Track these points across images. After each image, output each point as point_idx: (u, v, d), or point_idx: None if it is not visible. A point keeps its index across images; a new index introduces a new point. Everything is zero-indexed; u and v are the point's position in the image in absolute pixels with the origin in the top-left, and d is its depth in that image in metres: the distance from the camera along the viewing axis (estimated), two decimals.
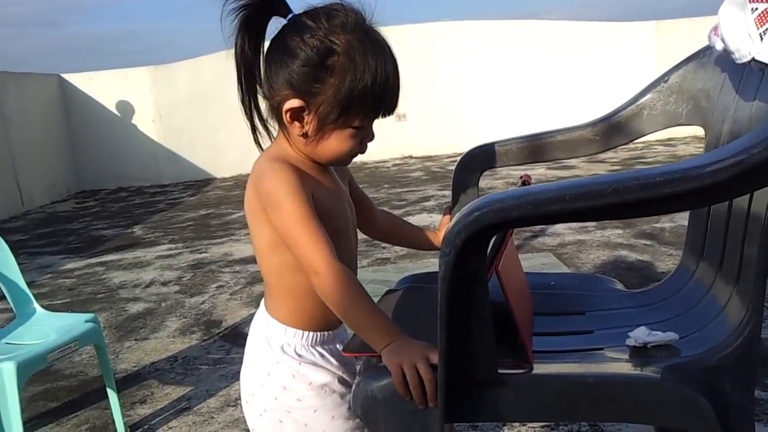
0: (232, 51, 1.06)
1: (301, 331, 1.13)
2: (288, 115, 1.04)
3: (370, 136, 1.10)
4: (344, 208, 1.16)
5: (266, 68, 1.06)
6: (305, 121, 1.04)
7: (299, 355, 1.13)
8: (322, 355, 1.14)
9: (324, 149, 1.07)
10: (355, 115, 1.03)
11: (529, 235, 4.44)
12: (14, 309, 2.30)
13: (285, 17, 1.06)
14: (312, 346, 1.14)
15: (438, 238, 1.36)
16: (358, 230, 1.25)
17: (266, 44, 1.09)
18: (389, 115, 1.07)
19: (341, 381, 1.15)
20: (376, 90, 1.01)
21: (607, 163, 7.38)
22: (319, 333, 1.14)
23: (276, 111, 1.06)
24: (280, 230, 1.03)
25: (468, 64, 9.44)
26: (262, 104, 1.09)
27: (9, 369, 1.84)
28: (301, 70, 1.01)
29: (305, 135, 1.06)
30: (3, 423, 1.86)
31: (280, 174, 1.03)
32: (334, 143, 1.06)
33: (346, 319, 1.03)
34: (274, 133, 1.13)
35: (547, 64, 9.40)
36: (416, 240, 1.39)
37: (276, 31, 1.06)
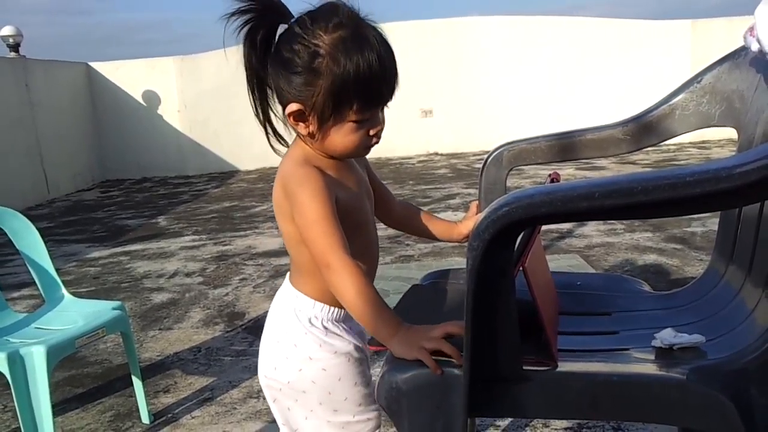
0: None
1: (328, 306, 1.19)
2: (291, 118, 1.11)
3: (377, 126, 1.12)
4: (364, 201, 1.21)
5: (272, 77, 1.13)
6: (308, 122, 1.10)
7: (325, 328, 1.19)
8: (345, 330, 1.21)
9: (331, 146, 1.12)
10: (348, 109, 1.08)
11: (555, 237, 4.42)
12: (43, 294, 2.34)
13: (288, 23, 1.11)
14: (337, 321, 1.20)
15: (457, 230, 1.38)
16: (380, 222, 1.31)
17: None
18: (387, 101, 1.10)
19: (358, 349, 1.22)
20: (360, 81, 1.05)
21: (638, 165, 7.31)
22: (343, 311, 1.20)
23: (284, 115, 1.13)
24: (301, 230, 1.10)
25: (497, 60, 9.38)
26: (278, 109, 1.16)
27: (39, 352, 1.88)
28: (295, 78, 1.08)
29: (311, 135, 1.12)
30: (33, 405, 1.89)
31: (305, 179, 1.10)
32: (338, 139, 1.11)
33: (354, 312, 1.07)
34: (290, 138, 1.20)
35: (579, 61, 9.30)
36: (434, 230, 1.41)
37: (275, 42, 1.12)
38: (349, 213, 1.13)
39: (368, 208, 1.22)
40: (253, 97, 1.15)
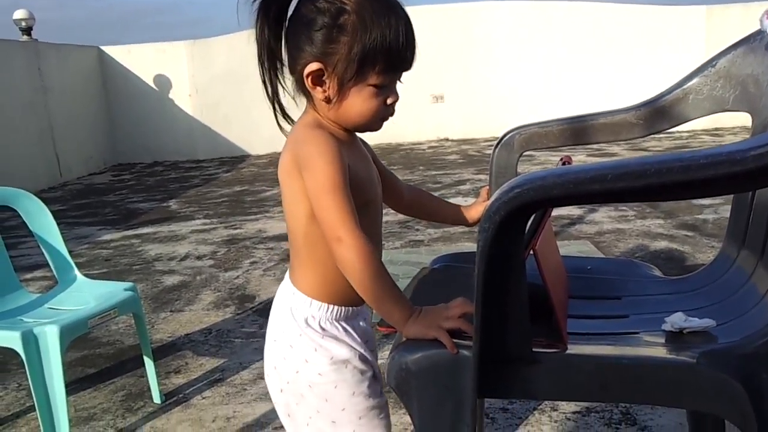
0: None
1: (326, 305, 1.13)
2: (309, 79, 1.07)
3: (394, 96, 1.10)
4: (374, 180, 1.17)
5: (287, 44, 1.10)
6: (326, 84, 1.07)
7: (323, 329, 1.13)
8: (345, 330, 1.14)
9: (348, 110, 1.08)
10: (371, 71, 1.05)
11: (566, 223, 4.41)
12: (56, 275, 2.37)
13: None
14: (336, 321, 1.14)
15: (467, 214, 1.36)
16: (387, 207, 1.27)
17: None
18: (408, 68, 1.09)
19: (362, 358, 1.15)
20: (387, 45, 1.03)
21: (650, 151, 7.27)
22: (343, 308, 1.14)
23: (299, 81, 1.09)
24: (311, 193, 1.05)
25: (509, 45, 9.32)
26: (287, 83, 1.12)
27: (53, 332, 1.90)
28: (317, 35, 1.05)
29: (328, 99, 1.08)
30: (46, 384, 1.92)
31: (321, 140, 1.06)
32: (357, 102, 1.07)
33: (364, 290, 1.03)
34: (295, 117, 1.15)
35: (592, 47, 9.23)
36: (443, 214, 1.38)
37: (293, 7, 1.09)
38: (361, 189, 1.09)
39: (378, 187, 1.18)
40: (263, 69, 1.10)
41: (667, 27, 9.12)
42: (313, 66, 1.05)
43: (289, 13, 1.10)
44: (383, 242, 1.31)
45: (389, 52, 1.04)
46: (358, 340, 1.16)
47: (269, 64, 1.11)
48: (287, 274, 1.20)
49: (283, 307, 1.17)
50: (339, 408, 1.14)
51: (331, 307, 1.14)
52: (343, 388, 1.13)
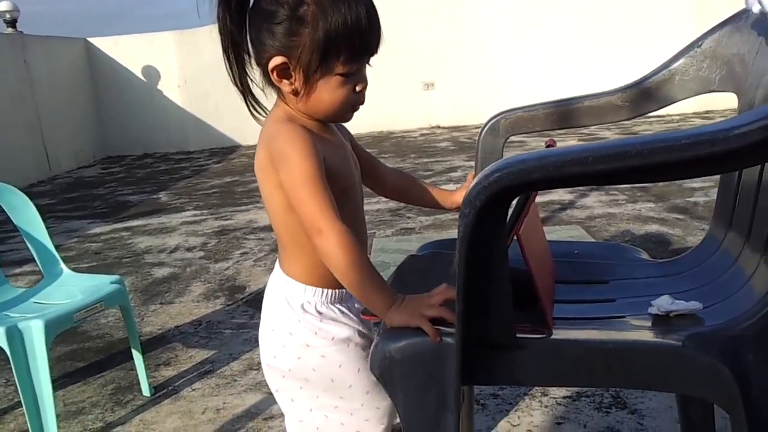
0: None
1: (320, 289, 1.14)
2: (275, 73, 1.06)
3: (362, 83, 1.09)
4: (350, 166, 1.16)
5: (250, 36, 1.08)
6: (292, 77, 1.06)
7: (320, 313, 1.14)
8: (341, 312, 1.16)
9: (317, 101, 1.07)
10: (335, 60, 1.04)
11: (557, 208, 4.40)
12: (42, 269, 2.34)
13: None
14: (331, 303, 1.15)
15: (452, 199, 1.35)
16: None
17: None
18: (373, 53, 1.08)
19: (361, 335, 1.17)
20: (348, 32, 1.02)
21: (640, 135, 7.26)
22: (337, 290, 1.15)
23: (266, 74, 1.08)
24: (287, 188, 1.05)
25: (499, 31, 9.27)
26: (254, 75, 1.11)
27: (38, 327, 1.88)
28: (278, 28, 1.04)
29: (295, 92, 1.07)
30: (33, 379, 1.90)
31: (293, 134, 1.05)
32: (325, 93, 1.06)
33: (347, 281, 1.03)
34: (268, 106, 1.15)
35: (582, 30, 9.18)
36: (428, 199, 1.37)
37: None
38: (337, 177, 1.09)
39: (356, 173, 1.18)
40: (229, 62, 1.10)
41: (657, 8, 9.08)
42: (277, 60, 1.05)
43: (251, 3, 1.08)
44: (374, 230, 1.31)
45: (352, 40, 1.03)
46: (355, 318, 1.17)
47: (235, 56, 1.10)
48: (277, 264, 1.20)
49: (278, 296, 1.17)
50: (346, 386, 1.15)
51: (325, 291, 1.14)
52: (347, 366, 1.14)
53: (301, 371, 1.15)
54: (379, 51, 1.08)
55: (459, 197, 1.33)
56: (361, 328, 1.17)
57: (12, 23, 8.01)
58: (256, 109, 1.14)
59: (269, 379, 1.21)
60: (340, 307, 1.16)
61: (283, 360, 1.16)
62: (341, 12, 1.01)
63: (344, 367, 1.14)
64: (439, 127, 9.49)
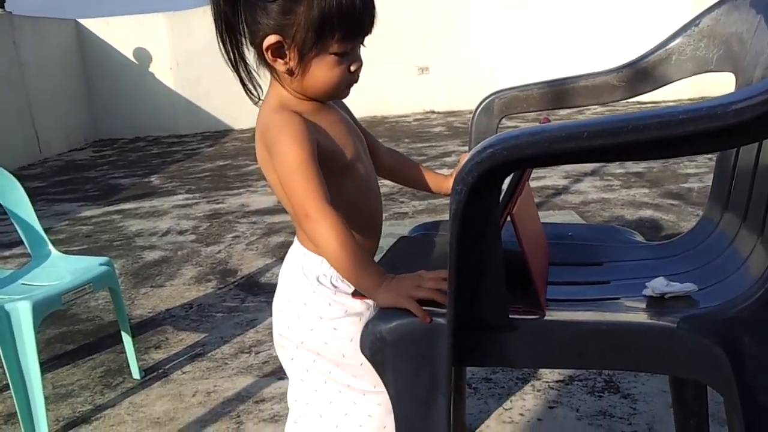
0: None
1: None
2: (269, 53, 1.06)
3: (357, 62, 1.09)
4: (351, 139, 1.15)
5: (244, 16, 1.07)
6: (287, 56, 1.06)
7: (335, 286, 1.14)
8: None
9: (312, 80, 1.07)
10: (330, 39, 1.04)
11: (551, 193, 4.39)
12: (30, 251, 2.32)
13: None
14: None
15: (447, 183, 1.33)
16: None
17: None
18: (368, 32, 1.07)
19: (372, 310, 1.16)
20: (343, 11, 1.01)
21: (637, 111, 7.25)
22: None
23: (260, 54, 1.08)
24: (280, 175, 1.05)
25: (494, 14, 9.19)
26: (249, 56, 1.11)
27: (25, 308, 1.86)
28: (271, 6, 1.03)
29: (290, 71, 1.07)
30: (20, 362, 1.88)
31: (284, 123, 1.05)
32: (320, 72, 1.06)
33: (336, 264, 1.03)
34: (265, 87, 1.14)
35: (578, 11, 9.11)
36: (423, 181, 1.36)
37: None
38: (336, 155, 1.09)
39: (360, 148, 1.17)
40: (223, 43, 1.09)
41: None
42: (272, 39, 1.04)
43: None
44: None
45: (347, 19, 1.02)
46: None
47: (229, 36, 1.09)
48: (296, 238, 1.20)
49: (295, 267, 1.17)
50: (357, 363, 1.13)
51: None
52: (358, 341, 1.11)
53: (313, 344, 1.15)
54: (373, 32, 1.08)
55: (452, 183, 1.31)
56: (374, 306, 1.16)
57: (0, 3, 7.90)
58: (251, 91, 1.14)
59: (282, 350, 1.20)
60: None
61: (297, 331, 1.15)
62: None
63: (355, 342, 1.11)
64: (433, 112, 9.44)
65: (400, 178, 1.39)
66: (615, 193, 4.29)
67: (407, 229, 1.52)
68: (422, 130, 7.91)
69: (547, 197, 4.30)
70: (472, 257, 0.88)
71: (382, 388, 1.15)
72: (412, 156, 6.12)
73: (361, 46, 1.09)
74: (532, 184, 1.09)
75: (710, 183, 1.40)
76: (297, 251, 1.19)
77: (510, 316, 0.94)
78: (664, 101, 8.52)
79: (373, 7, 1.05)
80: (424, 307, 0.95)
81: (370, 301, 1.14)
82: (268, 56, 1.06)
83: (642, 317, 1.03)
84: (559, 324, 0.96)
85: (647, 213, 3.80)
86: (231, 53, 1.10)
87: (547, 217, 3.78)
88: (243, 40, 1.09)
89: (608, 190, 4.36)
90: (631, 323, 0.99)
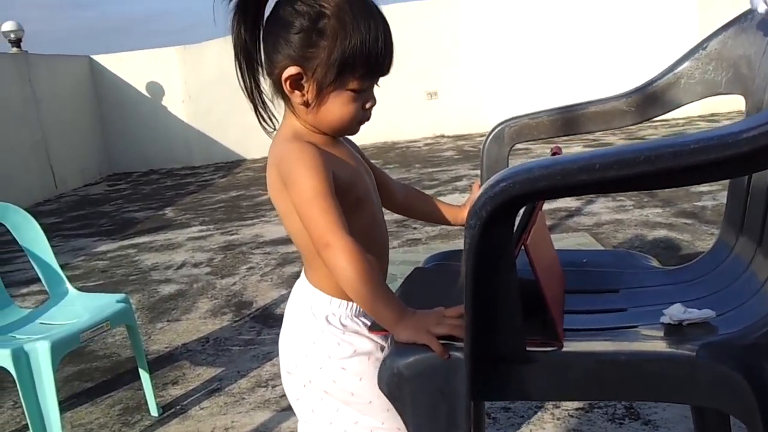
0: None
1: (345, 302, 1.13)
2: (288, 83, 1.06)
3: (372, 101, 1.10)
4: (362, 174, 1.16)
5: (264, 46, 1.08)
6: (305, 89, 1.06)
7: (343, 325, 1.13)
8: (365, 325, 1.14)
9: (327, 115, 1.08)
10: (350, 76, 1.04)
11: (564, 215, 4.37)
12: (48, 290, 2.33)
13: None
14: (356, 317, 1.14)
15: (461, 214, 1.33)
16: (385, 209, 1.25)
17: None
18: (386, 73, 1.08)
19: (383, 350, 1.13)
20: (367, 50, 1.03)
21: (646, 140, 7.23)
22: None
23: (277, 84, 1.08)
24: (296, 205, 1.04)
25: (501, 38, 9.24)
26: (265, 86, 1.11)
27: (44, 348, 1.86)
28: (295, 38, 1.04)
29: (306, 103, 1.07)
30: (39, 402, 1.88)
31: (300, 153, 1.05)
32: (336, 107, 1.07)
33: (355, 294, 1.02)
34: (279, 117, 1.15)
35: (585, 34, 9.13)
36: (438, 214, 1.36)
37: (271, 9, 1.08)
38: (349, 189, 1.09)
39: (369, 183, 1.17)
40: (240, 70, 1.09)
41: (660, 8, 9.01)
42: (292, 70, 1.05)
43: (267, 13, 1.08)
44: None
45: (369, 58, 1.04)
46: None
47: (247, 65, 1.10)
48: (302, 274, 1.20)
49: (302, 306, 1.17)
50: (366, 401, 1.13)
51: (350, 303, 1.14)
52: (367, 380, 1.12)
53: (322, 382, 1.14)
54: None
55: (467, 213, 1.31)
56: (383, 344, 1.15)
57: (17, 43, 8.05)
58: (266, 120, 1.14)
59: (289, 388, 1.20)
60: (364, 320, 1.15)
61: (305, 369, 1.15)
62: (361, 31, 1.02)
63: (364, 381, 1.12)
64: (443, 136, 9.47)
65: (416, 213, 1.40)
66: (628, 213, 4.27)
67: (421, 256, 1.52)
68: (433, 154, 7.93)
69: (560, 219, 4.28)
70: (488, 292, 0.87)
71: (389, 425, 1.14)
72: (423, 181, 6.13)
73: (376, 85, 1.10)
74: (545, 206, 1.09)
75: (723, 200, 1.39)
76: (304, 288, 1.18)
77: (527, 348, 0.93)
78: (674, 118, 8.50)
79: (393, 48, 1.06)
80: (441, 341, 0.95)
81: (380, 340, 1.14)
82: (286, 87, 1.06)
83: (661, 346, 1.02)
84: (578, 355, 0.95)
85: (661, 233, 3.77)
86: (247, 81, 1.11)
87: (560, 239, 3.76)
88: (260, 69, 1.10)
89: (621, 211, 4.34)
90: (651, 353, 0.98)
